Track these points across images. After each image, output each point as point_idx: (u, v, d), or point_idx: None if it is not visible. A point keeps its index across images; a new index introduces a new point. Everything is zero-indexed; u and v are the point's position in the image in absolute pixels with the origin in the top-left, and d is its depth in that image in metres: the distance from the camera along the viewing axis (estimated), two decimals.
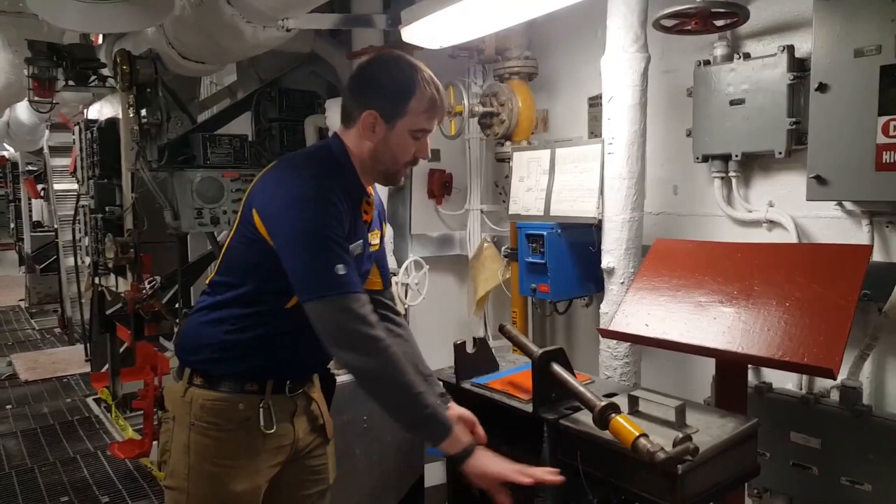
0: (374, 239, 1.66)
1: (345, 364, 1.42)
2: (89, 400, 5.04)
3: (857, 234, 2.15)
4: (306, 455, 1.65)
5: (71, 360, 6.18)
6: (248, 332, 1.51)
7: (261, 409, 1.51)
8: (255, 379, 1.52)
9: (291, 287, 1.45)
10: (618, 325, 1.99)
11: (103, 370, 4.82)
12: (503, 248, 3.32)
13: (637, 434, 1.38)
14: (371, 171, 1.56)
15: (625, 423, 1.41)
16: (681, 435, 1.38)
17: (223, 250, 1.58)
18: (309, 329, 1.53)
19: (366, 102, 1.50)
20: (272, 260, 1.45)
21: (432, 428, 1.43)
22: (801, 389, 2.27)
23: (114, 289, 4.20)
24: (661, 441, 1.37)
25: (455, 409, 1.63)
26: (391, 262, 3.35)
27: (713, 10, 2.15)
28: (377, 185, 1.68)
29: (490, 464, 1.44)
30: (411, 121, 1.50)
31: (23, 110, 6.14)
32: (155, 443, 3.51)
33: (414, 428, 1.47)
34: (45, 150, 7.65)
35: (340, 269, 1.39)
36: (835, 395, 2.15)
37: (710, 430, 1.51)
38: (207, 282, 1.63)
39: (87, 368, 5.57)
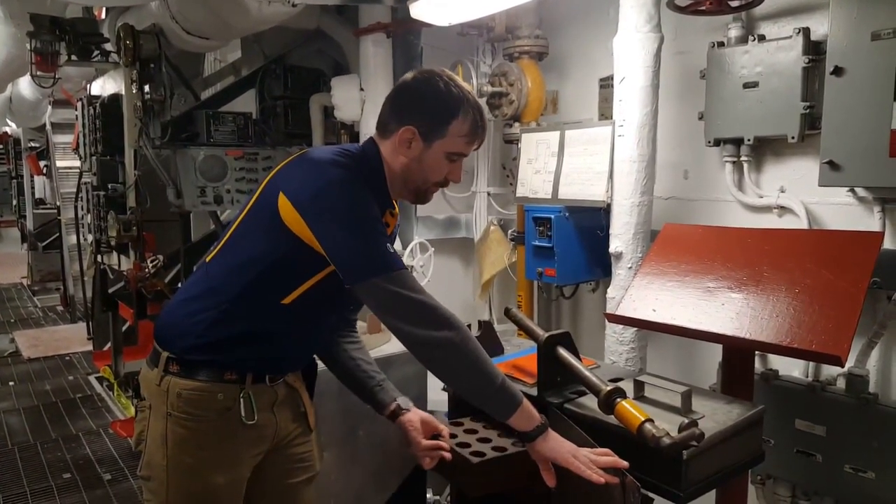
0: None
1: (415, 338, 1.36)
2: (91, 378, 5.06)
3: (868, 220, 2.13)
4: (290, 443, 1.60)
5: (73, 338, 6.20)
6: (238, 325, 1.45)
7: (241, 400, 1.46)
8: (236, 369, 1.47)
9: (296, 281, 1.43)
10: (625, 310, 1.98)
11: (105, 348, 4.83)
12: (510, 232, 3.30)
13: (643, 419, 1.37)
14: (400, 186, 1.53)
15: (630, 409, 1.40)
16: (686, 420, 1.37)
17: (228, 235, 1.51)
18: (300, 327, 1.52)
19: (406, 117, 1.46)
20: (286, 248, 1.40)
21: (504, 400, 1.40)
22: (807, 377, 2.26)
23: (116, 267, 4.19)
24: (667, 426, 1.37)
25: (416, 412, 1.63)
26: (395, 245, 3.33)
27: None
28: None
29: (562, 448, 1.41)
30: (450, 143, 1.47)
31: (25, 85, 6.11)
32: None
33: (484, 400, 1.42)
34: (48, 127, 7.61)
35: (391, 248, 1.38)
36: (841, 383, 2.14)
37: (716, 416, 1.51)
38: (198, 266, 1.57)
39: (90, 347, 5.58)
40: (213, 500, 1.47)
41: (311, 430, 1.66)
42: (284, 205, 1.38)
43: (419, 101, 1.47)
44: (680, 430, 1.35)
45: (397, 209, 1.62)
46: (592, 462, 1.39)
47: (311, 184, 1.39)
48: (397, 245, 3.31)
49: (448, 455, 1.53)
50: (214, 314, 1.45)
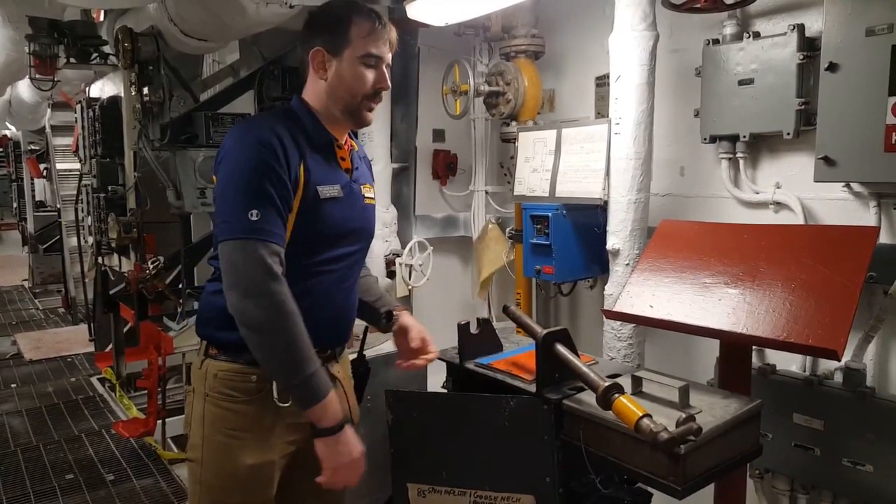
0: (368, 192, 1.66)
1: (233, 309, 1.38)
2: (93, 379, 5.07)
3: (864, 215, 2.14)
4: None
5: (75, 339, 6.20)
6: None
7: (274, 382, 1.49)
8: None
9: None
10: (622, 306, 1.99)
11: (107, 350, 4.84)
12: (508, 230, 3.31)
13: (640, 414, 1.38)
14: (335, 114, 1.54)
15: (628, 404, 1.41)
16: (684, 415, 1.38)
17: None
18: (307, 291, 1.50)
19: (310, 43, 1.52)
20: None
21: (305, 392, 1.39)
22: (804, 371, 2.28)
23: (117, 268, 4.20)
24: (665, 421, 1.38)
25: (405, 318, 1.74)
26: (394, 244, 3.34)
27: None
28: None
29: (353, 450, 1.44)
30: (358, 46, 1.49)
31: (24, 88, 6.10)
32: (159, 422, 3.54)
33: (287, 388, 1.44)
34: (47, 129, 7.60)
35: (254, 215, 1.37)
36: (838, 377, 2.15)
37: (714, 410, 1.52)
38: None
39: (91, 348, 5.59)
40: (241, 480, 1.50)
41: (352, 423, 1.65)
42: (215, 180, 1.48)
43: (315, 24, 1.54)
44: (678, 425, 1.36)
45: (347, 143, 1.61)
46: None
47: (221, 149, 1.47)
48: (395, 244, 3.33)
49: (421, 363, 1.72)
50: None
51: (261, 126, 1.46)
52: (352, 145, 1.64)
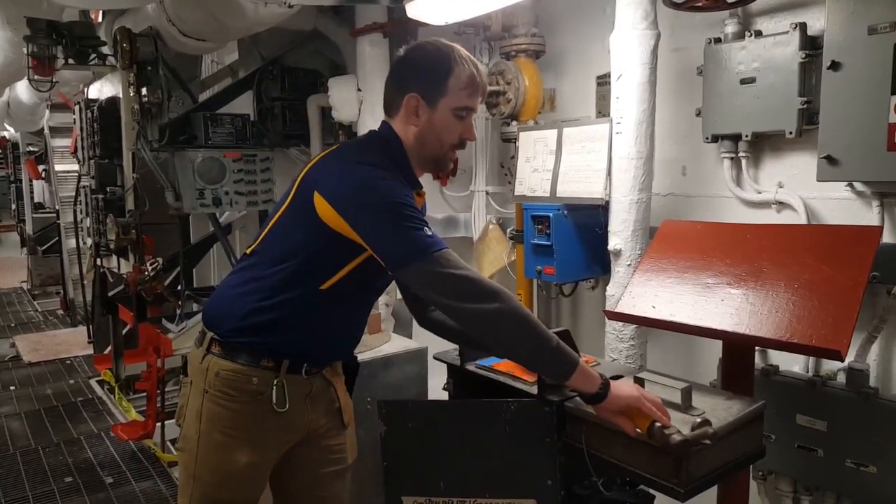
0: None
1: (466, 314, 1.38)
2: (92, 381, 5.06)
3: (867, 215, 2.13)
4: (323, 435, 1.65)
5: (74, 341, 6.20)
6: (277, 311, 1.50)
7: (274, 387, 1.51)
8: (273, 356, 1.52)
9: (334, 268, 1.48)
10: (624, 307, 1.98)
11: (106, 352, 4.83)
12: (508, 230, 3.29)
13: (652, 419, 1.36)
14: (419, 158, 1.56)
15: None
16: (698, 420, 1.37)
17: (269, 226, 1.56)
18: (337, 310, 1.56)
19: (406, 86, 1.52)
20: (324, 241, 1.45)
21: (561, 362, 1.40)
22: (807, 372, 2.26)
23: (116, 270, 4.20)
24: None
25: None
26: None
27: None
28: None
29: (630, 395, 1.40)
30: (452, 99, 1.51)
31: (23, 90, 6.11)
32: (158, 424, 3.53)
33: (543, 364, 1.43)
34: (46, 131, 7.60)
35: (428, 231, 1.41)
36: (841, 378, 2.14)
37: (717, 412, 1.51)
38: (240, 257, 1.63)
39: (90, 350, 5.59)
40: (236, 478, 1.53)
41: (344, 425, 1.70)
42: (321, 203, 1.44)
43: (414, 68, 1.54)
44: (692, 429, 1.34)
45: (423, 189, 1.65)
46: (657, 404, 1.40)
47: (345, 183, 1.44)
48: None
49: None
50: (256, 300, 1.51)
51: (381, 162, 1.47)
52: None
